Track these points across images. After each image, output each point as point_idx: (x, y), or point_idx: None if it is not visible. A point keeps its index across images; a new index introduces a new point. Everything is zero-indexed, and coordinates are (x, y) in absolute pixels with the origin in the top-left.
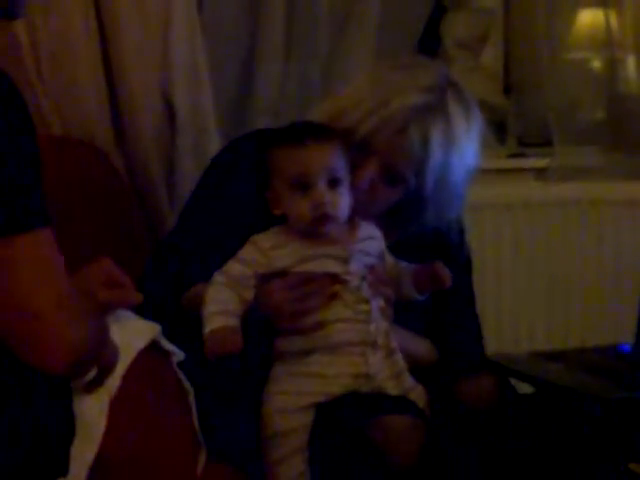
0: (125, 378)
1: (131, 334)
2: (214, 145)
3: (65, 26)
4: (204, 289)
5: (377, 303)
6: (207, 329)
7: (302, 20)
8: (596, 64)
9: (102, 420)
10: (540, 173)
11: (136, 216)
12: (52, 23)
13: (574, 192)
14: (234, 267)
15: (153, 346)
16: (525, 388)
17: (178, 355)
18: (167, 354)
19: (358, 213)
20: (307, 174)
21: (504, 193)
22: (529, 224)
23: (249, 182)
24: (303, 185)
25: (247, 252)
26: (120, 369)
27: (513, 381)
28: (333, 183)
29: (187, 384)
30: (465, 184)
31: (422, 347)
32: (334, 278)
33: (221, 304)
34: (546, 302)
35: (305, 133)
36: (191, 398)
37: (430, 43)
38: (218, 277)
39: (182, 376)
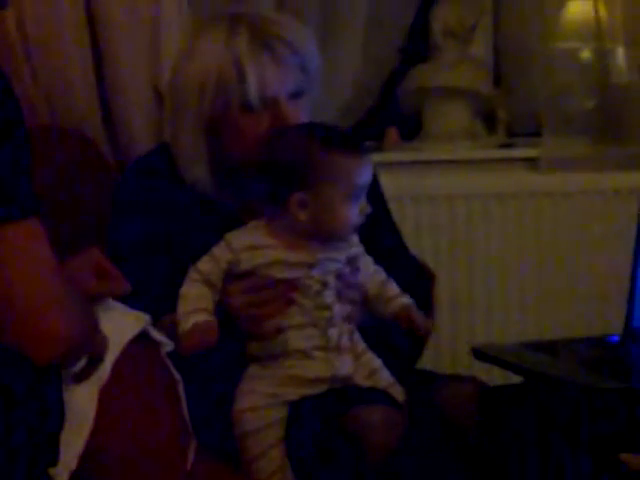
0: (115, 368)
1: (120, 324)
2: None
3: (54, 15)
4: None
5: (341, 308)
6: (180, 328)
7: (291, 9)
8: (586, 54)
9: (92, 410)
10: (530, 163)
11: None
12: (40, 12)
13: (564, 182)
14: (205, 264)
15: (142, 336)
16: (514, 378)
17: (167, 345)
18: (156, 344)
19: None
20: (362, 187)
21: (494, 183)
22: (519, 214)
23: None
24: (356, 195)
25: (219, 250)
26: (110, 359)
27: (502, 371)
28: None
29: (176, 374)
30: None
31: None
32: (294, 283)
33: (195, 302)
34: (536, 292)
35: (359, 143)
36: (180, 388)
37: (419, 33)
38: (192, 274)
39: (171, 366)
